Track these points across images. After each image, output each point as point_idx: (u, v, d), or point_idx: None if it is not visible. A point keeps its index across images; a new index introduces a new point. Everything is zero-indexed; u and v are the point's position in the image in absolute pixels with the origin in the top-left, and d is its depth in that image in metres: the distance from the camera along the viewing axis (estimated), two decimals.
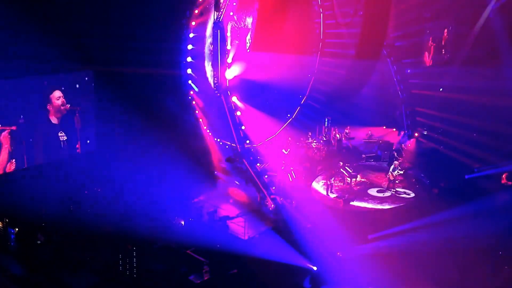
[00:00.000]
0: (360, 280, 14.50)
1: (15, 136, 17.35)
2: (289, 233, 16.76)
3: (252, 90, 22.66)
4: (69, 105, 18.70)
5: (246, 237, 17.01)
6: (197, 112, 21.09)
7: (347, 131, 25.27)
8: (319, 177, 22.08)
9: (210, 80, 19.86)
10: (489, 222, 16.40)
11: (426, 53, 24.52)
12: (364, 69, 22.96)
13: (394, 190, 20.65)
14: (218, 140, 21.64)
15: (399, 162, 21.44)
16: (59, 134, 18.67)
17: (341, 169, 21.43)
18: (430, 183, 21.05)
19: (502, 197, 18.64)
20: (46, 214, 16.87)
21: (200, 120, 21.29)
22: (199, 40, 20.17)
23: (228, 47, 20.56)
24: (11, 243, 16.07)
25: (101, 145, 19.90)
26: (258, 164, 19.55)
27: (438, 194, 20.16)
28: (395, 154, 23.12)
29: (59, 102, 18.48)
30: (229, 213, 18.47)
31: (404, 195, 20.46)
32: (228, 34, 21.04)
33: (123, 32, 18.01)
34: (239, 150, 18.90)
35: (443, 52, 23.91)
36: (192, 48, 20.06)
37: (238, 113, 19.34)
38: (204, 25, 20.11)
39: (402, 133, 25.31)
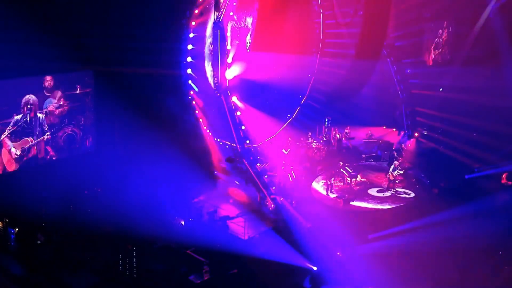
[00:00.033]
0: (360, 280, 14.49)
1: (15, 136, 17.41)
2: (289, 233, 16.75)
3: (252, 90, 22.65)
4: (68, 105, 18.76)
5: (246, 237, 17.01)
6: (197, 112, 21.08)
7: (347, 131, 25.26)
8: (319, 177, 22.07)
9: (210, 80, 19.86)
10: (489, 222, 16.39)
11: (427, 53, 24.53)
12: (364, 69, 22.92)
13: (394, 190, 20.65)
14: (218, 140, 21.64)
15: (399, 162, 21.44)
16: (59, 134, 18.69)
17: (341, 169, 21.43)
18: (430, 183, 21.05)
19: (502, 197, 18.63)
20: (46, 214, 16.89)
21: (200, 120, 21.29)
22: (199, 40, 20.16)
23: (228, 47, 20.55)
24: (11, 243, 16.07)
25: (101, 145, 19.91)
26: (258, 164, 19.55)
27: (438, 194, 20.16)
28: (395, 154, 23.11)
29: (59, 102, 18.52)
30: (229, 213, 18.47)
31: (404, 195, 20.45)
32: (228, 34, 21.02)
33: (123, 32, 18.02)
34: (239, 150, 18.90)
35: (443, 52, 23.91)
36: (192, 48, 20.05)
37: (238, 113, 19.34)
38: (204, 25, 20.10)
39: (402, 133, 25.30)
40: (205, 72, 20.49)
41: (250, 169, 18.60)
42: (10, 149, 17.44)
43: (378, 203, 19.84)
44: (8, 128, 17.30)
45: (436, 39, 24.07)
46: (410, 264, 14.97)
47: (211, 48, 19.48)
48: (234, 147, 19.38)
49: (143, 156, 19.59)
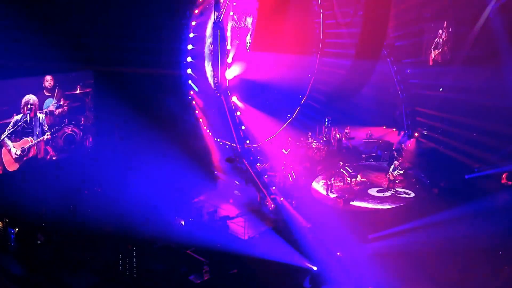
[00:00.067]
0: (360, 280, 14.49)
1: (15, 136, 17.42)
2: (289, 233, 16.75)
3: (252, 90, 22.64)
4: (68, 105, 18.77)
5: (246, 237, 17.00)
6: (197, 112, 21.08)
7: (347, 131, 25.27)
8: (319, 177, 22.07)
9: (210, 80, 19.85)
10: (489, 222, 16.40)
11: (427, 53, 24.53)
12: (364, 69, 22.92)
13: (394, 190, 20.65)
14: (218, 140, 21.64)
15: (399, 162, 21.46)
16: (59, 134, 18.69)
17: (341, 169, 21.43)
18: (430, 183, 21.05)
19: (502, 197, 18.64)
20: (46, 214, 16.89)
21: (200, 120, 21.28)
22: (199, 40, 20.15)
23: (228, 47, 20.54)
24: (11, 243, 16.07)
25: (101, 145, 19.91)
26: (258, 164, 19.54)
27: (438, 194, 20.16)
28: (395, 154, 23.13)
29: (59, 102, 18.53)
30: (229, 213, 18.47)
31: (404, 195, 20.45)
32: (228, 34, 21.02)
33: (123, 32, 18.01)
34: (239, 150, 18.89)
35: (443, 52, 23.91)
36: (192, 48, 20.04)
37: (238, 113, 19.33)
38: (204, 25, 20.10)
39: (402, 133, 25.31)
40: (205, 72, 20.48)
41: (250, 169, 18.59)
42: (10, 149, 17.44)
43: (378, 203, 19.84)
44: (8, 128, 17.30)
45: (436, 39, 24.08)
46: (410, 264, 14.97)
47: (211, 48, 19.47)
48: (234, 147, 19.36)
49: (143, 156, 19.58)
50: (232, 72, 20.67)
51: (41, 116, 18.13)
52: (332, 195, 20.40)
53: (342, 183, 21.30)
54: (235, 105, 19.99)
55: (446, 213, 17.26)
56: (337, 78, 24.48)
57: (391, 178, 20.79)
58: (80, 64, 18.45)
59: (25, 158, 17.87)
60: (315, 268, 15.25)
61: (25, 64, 16.75)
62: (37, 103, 17.95)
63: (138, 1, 18.49)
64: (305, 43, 25.31)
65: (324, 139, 24.71)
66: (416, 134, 24.62)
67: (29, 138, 17.92)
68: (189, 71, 20.35)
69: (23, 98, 17.57)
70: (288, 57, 23.75)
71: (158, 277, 15.01)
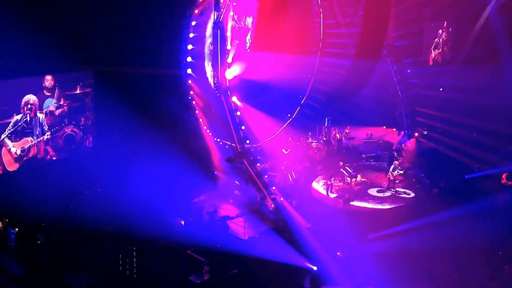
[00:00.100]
0: (360, 280, 14.49)
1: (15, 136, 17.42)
2: (289, 233, 16.74)
3: (252, 90, 22.64)
4: (68, 105, 18.77)
5: (246, 237, 17.00)
6: (197, 112, 21.08)
7: (347, 131, 25.27)
8: (319, 177, 22.07)
9: (210, 80, 19.85)
10: (489, 222, 16.40)
11: (427, 53, 24.54)
12: (364, 69, 22.93)
13: (394, 190, 20.65)
14: (218, 140, 21.64)
15: (399, 162, 21.45)
16: (59, 134, 18.69)
17: (341, 169, 21.43)
18: (430, 183, 21.05)
19: (502, 197, 18.64)
20: (46, 214, 16.88)
21: (200, 120, 21.28)
22: (199, 40, 20.14)
23: (228, 47, 20.54)
24: (11, 243, 16.07)
25: (101, 145, 19.91)
26: (258, 164, 19.54)
27: (438, 194, 20.16)
28: (395, 154, 23.12)
29: (59, 102, 18.53)
30: (229, 213, 18.47)
31: (404, 195, 20.45)
32: (228, 34, 21.01)
33: (123, 32, 18.01)
34: (239, 150, 18.88)
35: (443, 52, 23.92)
36: (192, 48, 20.04)
37: (238, 113, 19.34)
38: (204, 25, 20.09)
39: (402, 133, 25.31)
40: (205, 72, 20.48)
41: (250, 169, 18.58)
42: (10, 149, 17.44)
43: (378, 203, 19.83)
44: (8, 128, 17.30)
45: (436, 39, 24.09)
46: (410, 264, 14.96)
47: (211, 48, 19.46)
48: (234, 147, 19.36)
49: (143, 156, 19.58)
50: (232, 72, 20.67)
51: (41, 116, 18.13)
52: (332, 195, 20.39)
53: (342, 183, 21.29)
54: (235, 105, 19.99)
55: (446, 213, 17.25)
56: (337, 78, 24.49)
57: (391, 178, 20.79)
58: (80, 64, 18.45)
59: (25, 158, 17.87)
60: (315, 268, 15.25)
61: (25, 64, 16.76)
62: (37, 103, 17.95)
63: (138, 1, 18.49)
64: (305, 43, 25.31)
65: (324, 139, 24.70)
66: (416, 134, 24.62)
67: (29, 138, 17.93)
68: (189, 71, 20.35)
69: (23, 98, 17.58)
70: (288, 57, 23.75)
71: (158, 277, 15.00)
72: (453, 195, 19.16)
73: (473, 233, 15.93)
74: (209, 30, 19.88)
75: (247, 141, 19.20)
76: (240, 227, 17.33)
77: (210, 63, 19.75)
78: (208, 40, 20.00)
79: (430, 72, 24.49)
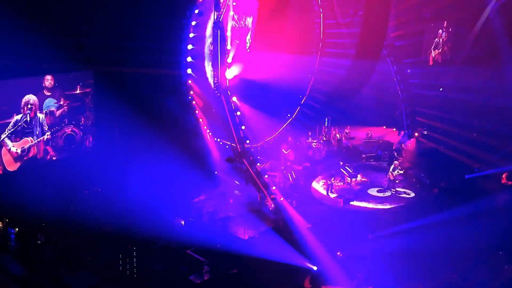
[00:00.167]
0: (360, 280, 14.48)
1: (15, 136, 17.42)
2: (289, 233, 16.74)
3: (252, 90, 22.64)
4: (68, 105, 18.76)
5: (246, 237, 17.00)
6: (197, 112, 21.08)
7: (347, 131, 25.28)
8: (319, 177, 22.08)
9: (210, 80, 19.85)
10: (489, 222, 16.40)
11: (427, 53, 24.55)
12: (364, 69, 22.93)
13: (394, 190, 20.65)
14: (218, 140, 21.64)
15: (399, 162, 21.45)
16: (59, 134, 18.69)
17: (341, 169, 21.43)
18: (430, 183, 21.05)
19: (502, 197, 18.65)
20: (46, 214, 16.87)
21: (200, 120, 21.28)
22: (199, 40, 20.14)
23: (228, 47, 20.54)
24: (11, 243, 16.06)
25: (101, 145, 19.90)
26: (258, 164, 19.55)
27: (438, 194, 20.17)
28: (395, 154, 23.13)
29: (59, 102, 18.53)
30: (229, 213, 18.47)
31: (404, 195, 20.46)
32: (228, 34, 21.03)
33: (123, 32, 17.99)
34: (239, 150, 18.88)
35: (443, 52, 23.93)
36: (192, 48, 20.04)
37: (238, 113, 19.34)
38: (204, 25, 20.10)
39: (402, 133, 25.31)
40: (205, 72, 20.48)
41: (250, 169, 18.58)
42: (10, 149, 17.43)
43: (378, 203, 19.84)
44: (8, 128, 17.29)
45: (436, 39, 24.11)
46: (410, 264, 14.96)
47: (211, 48, 19.47)
48: (234, 147, 19.36)
49: (143, 156, 19.57)
50: (232, 72, 20.67)
51: (41, 116, 18.12)
52: (332, 195, 20.40)
53: (342, 183, 21.30)
54: (235, 105, 20.00)
55: (446, 213, 17.25)
56: (337, 78, 24.49)
57: (391, 178, 20.79)
58: (80, 64, 18.43)
59: (25, 158, 17.86)
60: (315, 268, 15.25)
61: (25, 64, 16.73)
62: (37, 103, 17.94)
63: (138, 1, 18.48)
64: (305, 43, 25.31)
65: (324, 139, 24.71)
66: (416, 134, 24.62)
67: (29, 138, 17.92)
68: (189, 71, 20.36)
69: (23, 98, 17.55)
70: (288, 57, 23.76)
71: (158, 277, 15.00)
72: (453, 195, 19.16)
73: (473, 233, 15.93)
74: (209, 30, 19.89)
75: (247, 141, 19.20)
76: (240, 227, 17.33)
77: (210, 63, 19.76)
78: (208, 40, 20.01)
79: (430, 72, 24.51)
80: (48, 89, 18.20)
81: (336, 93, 24.82)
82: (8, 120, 17.25)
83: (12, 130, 17.35)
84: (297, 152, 23.22)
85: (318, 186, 21.31)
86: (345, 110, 25.57)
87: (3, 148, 17.30)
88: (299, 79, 25.09)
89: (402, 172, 20.98)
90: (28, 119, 17.70)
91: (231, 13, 21.23)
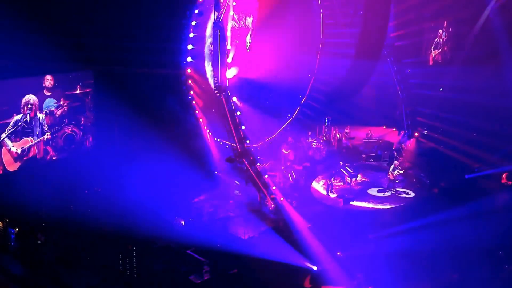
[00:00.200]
0: (360, 280, 14.48)
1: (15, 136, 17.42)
2: (289, 233, 16.75)
3: (252, 90, 22.65)
4: (68, 105, 18.76)
5: (246, 237, 17.01)
6: (197, 112, 21.08)
7: (347, 131, 25.28)
8: (319, 177, 22.08)
9: (210, 80, 19.85)
10: (489, 222, 16.40)
11: (427, 53, 24.56)
12: (364, 69, 22.94)
13: (394, 190, 20.65)
14: (218, 140, 21.64)
15: (399, 162, 21.45)
16: (59, 134, 18.69)
17: (341, 169, 21.43)
18: (430, 183, 21.05)
19: (502, 197, 18.65)
20: (46, 214, 16.87)
21: (200, 120, 21.29)
22: (199, 40, 20.15)
23: (228, 47, 20.55)
24: (11, 243, 16.06)
25: (101, 145, 19.90)
26: (258, 164, 19.55)
27: (438, 194, 20.16)
28: (395, 154, 23.13)
29: (59, 102, 18.53)
30: (229, 213, 18.47)
31: (404, 195, 20.46)
32: (228, 34, 21.03)
33: (123, 32, 17.99)
34: (239, 150, 18.89)
35: (443, 52, 23.94)
36: (192, 48, 20.05)
37: (238, 113, 19.35)
38: (204, 25, 20.11)
39: (402, 133, 25.32)
40: (205, 72, 20.48)
41: (250, 169, 18.59)
42: (10, 149, 17.43)
43: (378, 203, 19.84)
44: (8, 128, 17.28)
45: (436, 39, 24.12)
46: (410, 264, 14.96)
47: (211, 48, 19.47)
48: (234, 147, 19.37)
49: (143, 156, 19.57)
50: (232, 72, 20.67)
51: (41, 116, 18.12)
52: (332, 195, 20.40)
53: (342, 183, 21.30)
54: (235, 105, 20.00)
55: (446, 213, 17.25)
56: (337, 78, 24.51)
57: (391, 178, 20.79)
58: (80, 64, 18.42)
59: (25, 158, 17.86)
60: (315, 268, 15.25)
61: (25, 64, 16.71)
62: (37, 103, 17.94)
63: (138, 1, 18.48)
64: (305, 43, 25.32)
65: (324, 139, 24.72)
66: (416, 134, 24.63)
67: (29, 138, 17.91)
68: (189, 71, 20.36)
69: (23, 98, 17.55)
70: (288, 57, 23.76)
71: (158, 277, 15.00)
72: (453, 195, 19.15)
73: (473, 233, 15.93)
74: (209, 30, 19.90)
75: (247, 141, 19.21)
76: (240, 227, 17.33)
77: (210, 63, 19.76)
78: (208, 40, 20.02)
79: (430, 72, 24.51)
80: (48, 89, 18.19)
81: (336, 93, 24.83)
82: (8, 120, 17.25)
83: (12, 130, 17.35)
84: (297, 152, 23.23)
85: (318, 186, 21.31)
86: (345, 110, 25.57)
87: (3, 148, 17.30)
88: (299, 79, 25.11)
89: (402, 172, 20.98)
90: (28, 119, 17.70)
91: (231, 13, 21.24)
